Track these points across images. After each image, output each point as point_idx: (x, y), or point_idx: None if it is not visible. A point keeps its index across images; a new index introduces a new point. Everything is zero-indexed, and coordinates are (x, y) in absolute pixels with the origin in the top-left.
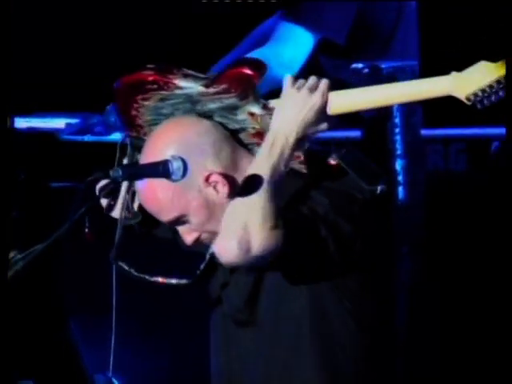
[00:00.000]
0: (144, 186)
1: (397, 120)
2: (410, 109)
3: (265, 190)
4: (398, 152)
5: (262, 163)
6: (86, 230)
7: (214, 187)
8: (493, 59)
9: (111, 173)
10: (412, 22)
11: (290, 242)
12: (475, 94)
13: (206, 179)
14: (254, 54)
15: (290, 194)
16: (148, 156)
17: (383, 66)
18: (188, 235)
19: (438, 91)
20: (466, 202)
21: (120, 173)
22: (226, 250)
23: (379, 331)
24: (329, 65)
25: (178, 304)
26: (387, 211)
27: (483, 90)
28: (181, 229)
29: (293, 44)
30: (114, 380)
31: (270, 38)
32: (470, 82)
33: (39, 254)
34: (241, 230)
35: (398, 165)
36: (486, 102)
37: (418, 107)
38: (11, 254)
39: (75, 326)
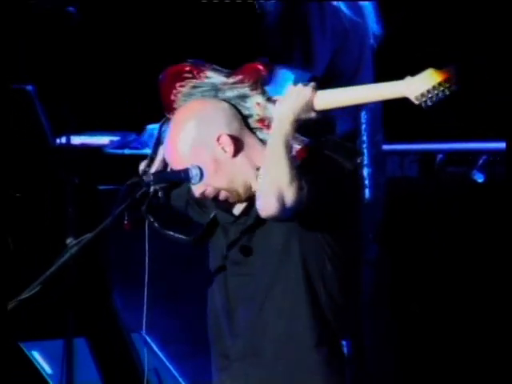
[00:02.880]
0: (168, 143)
1: (364, 138)
2: (374, 129)
3: (286, 158)
4: (365, 162)
5: (276, 144)
6: (125, 222)
7: (223, 147)
8: (437, 67)
9: (145, 178)
10: (369, 63)
11: (311, 198)
12: (422, 95)
13: (217, 139)
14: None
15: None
16: (173, 128)
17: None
18: (197, 188)
19: (396, 92)
20: (417, 201)
21: (151, 178)
22: (268, 205)
23: (348, 271)
24: None
25: (197, 273)
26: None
27: (428, 91)
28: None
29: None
30: (147, 337)
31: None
32: (418, 84)
33: (89, 240)
34: (277, 190)
35: (365, 172)
36: (429, 101)
37: (380, 127)
38: (68, 241)
39: (116, 295)
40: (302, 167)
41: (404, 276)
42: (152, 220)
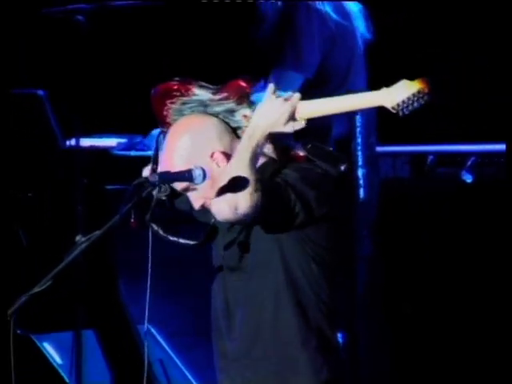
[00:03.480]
0: (164, 161)
1: (359, 140)
2: (368, 132)
3: (246, 164)
4: (360, 163)
5: (242, 150)
6: (132, 220)
7: (216, 162)
8: (411, 78)
9: (150, 178)
10: (361, 64)
11: (267, 203)
12: (398, 104)
13: (210, 156)
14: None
15: (269, 173)
16: (169, 142)
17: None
18: (196, 201)
19: (373, 101)
20: (408, 200)
21: (157, 178)
22: (220, 209)
23: (334, 271)
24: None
25: (198, 265)
26: (349, 186)
27: (403, 101)
28: (190, 195)
29: (285, 84)
30: (151, 328)
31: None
32: (394, 95)
33: (98, 237)
34: (230, 194)
35: (360, 172)
36: (405, 110)
37: (374, 130)
38: (77, 238)
39: (123, 289)
40: (270, 174)
41: (396, 272)
42: (156, 228)
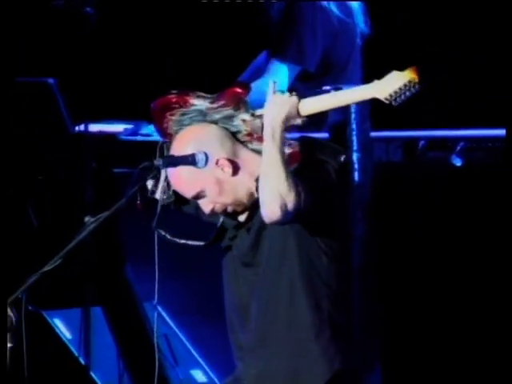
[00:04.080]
0: (173, 174)
1: (354, 126)
2: (362, 118)
3: (283, 166)
4: (355, 148)
5: (271, 150)
6: (138, 202)
7: (222, 169)
8: (401, 69)
9: (155, 162)
10: (358, 57)
11: (305, 204)
12: (390, 95)
13: (216, 163)
14: (255, 85)
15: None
16: (175, 151)
17: (343, 88)
18: (206, 206)
19: (366, 94)
20: (401, 182)
21: (161, 162)
22: (273, 212)
23: (341, 262)
24: (301, 87)
25: (203, 249)
26: (348, 176)
27: (395, 92)
28: (201, 202)
29: (283, 75)
30: (158, 307)
31: (265, 71)
32: (385, 86)
33: (106, 218)
34: (279, 198)
35: (355, 157)
36: (398, 100)
37: (368, 116)
38: (86, 219)
39: (130, 268)
40: (297, 173)
41: (389, 251)
42: (164, 233)
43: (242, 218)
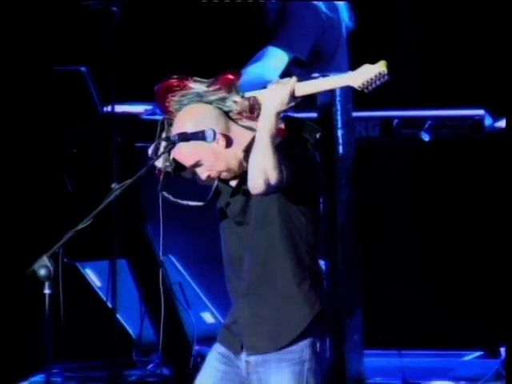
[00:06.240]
0: (175, 147)
1: (338, 107)
2: (346, 100)
3: (271, 148)
4: (339, 126)
5: (263, 136)
6: (156, 171)
7: (217, 142)
8: (373, 62)
9: (171, 137)
10: (345, 47)
11: (288, 179)
12: (363, 84)
13: None
14: (249, 68)
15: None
16: (177, 128)
17: (330, 75)
18: (203, 174)
19: (344, 82)
20: (378, 155)
21: (176, 137)
22: (257, 186)
23: (317, 222)
24: (295, 72)
25: (213, 209)
26: (326, 148)
27: (367, 81)
28: (198, 170)
29: (276, 60)
30: (171, 257)
31: (263, 56)
32: (358, 77)
33: (129, 184)
34: (263, 174)
35: (339, 133)
36: (369, 88)
37: (350, 98)
38: (112, 185)
39: (150, 225)
40: (281, 148)
41: (369, 213)
42: (167, 195)
43: (233, 183)
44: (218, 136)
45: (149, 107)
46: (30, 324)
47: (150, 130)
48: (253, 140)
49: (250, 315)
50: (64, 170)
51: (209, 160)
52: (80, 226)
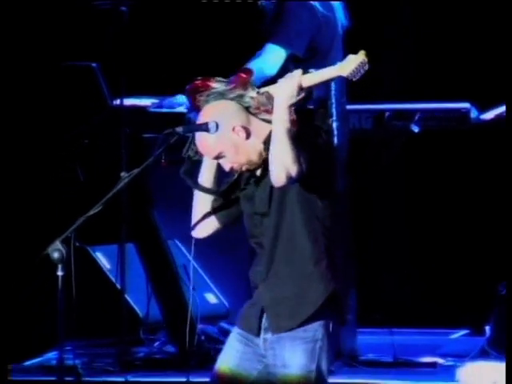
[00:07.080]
0: (199, 139)
1: (333, 100)
2: (340, 94)
3: (288, 142)
4: (334, 118)
5: (279, 132)
6: (163, 161)
7: (237, 134)
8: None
9: (176, 129)
10: (340, 43)
11: (308, 169)
12: (350, 73)
13: (232, 129)
14: (251, 63)
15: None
16: (202, 120)
17: None
18: (226, 165)
19: (336, 73)
20: (371, 146)
21: (181, 129)
22: (279, 179)
23: (333, 206)
24: (292, 69)
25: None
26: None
27: (354, 70)
28: (221, 161)
29: (274, 56)
30: (177, 242)
31: (262, 53)
32: (346, 67)
33: (137, 173)
34: (284, 168)
35: (334, 125)
36: (356, 76)
37: (344, 92)
38: (122, 174)
39: (157, 211)
40: (297, 139)
41: (362, 201)
42: (188, 181)
43: (258, 172)
44: (238, 128)
45: (155, 100)
46: (43, 304)
47: (156, 121)
48: (271, 132)
49: (272, 297)
50: (76, 160)
51: (230, 152)
52: (91, 212)
